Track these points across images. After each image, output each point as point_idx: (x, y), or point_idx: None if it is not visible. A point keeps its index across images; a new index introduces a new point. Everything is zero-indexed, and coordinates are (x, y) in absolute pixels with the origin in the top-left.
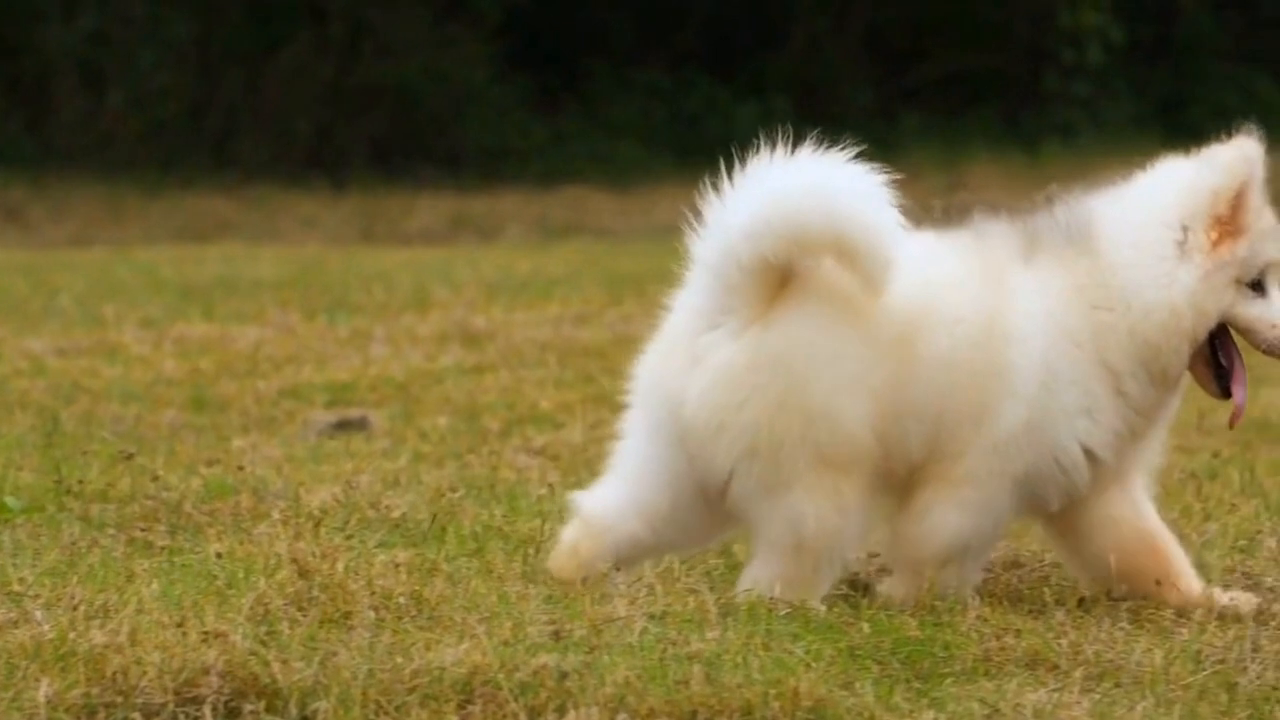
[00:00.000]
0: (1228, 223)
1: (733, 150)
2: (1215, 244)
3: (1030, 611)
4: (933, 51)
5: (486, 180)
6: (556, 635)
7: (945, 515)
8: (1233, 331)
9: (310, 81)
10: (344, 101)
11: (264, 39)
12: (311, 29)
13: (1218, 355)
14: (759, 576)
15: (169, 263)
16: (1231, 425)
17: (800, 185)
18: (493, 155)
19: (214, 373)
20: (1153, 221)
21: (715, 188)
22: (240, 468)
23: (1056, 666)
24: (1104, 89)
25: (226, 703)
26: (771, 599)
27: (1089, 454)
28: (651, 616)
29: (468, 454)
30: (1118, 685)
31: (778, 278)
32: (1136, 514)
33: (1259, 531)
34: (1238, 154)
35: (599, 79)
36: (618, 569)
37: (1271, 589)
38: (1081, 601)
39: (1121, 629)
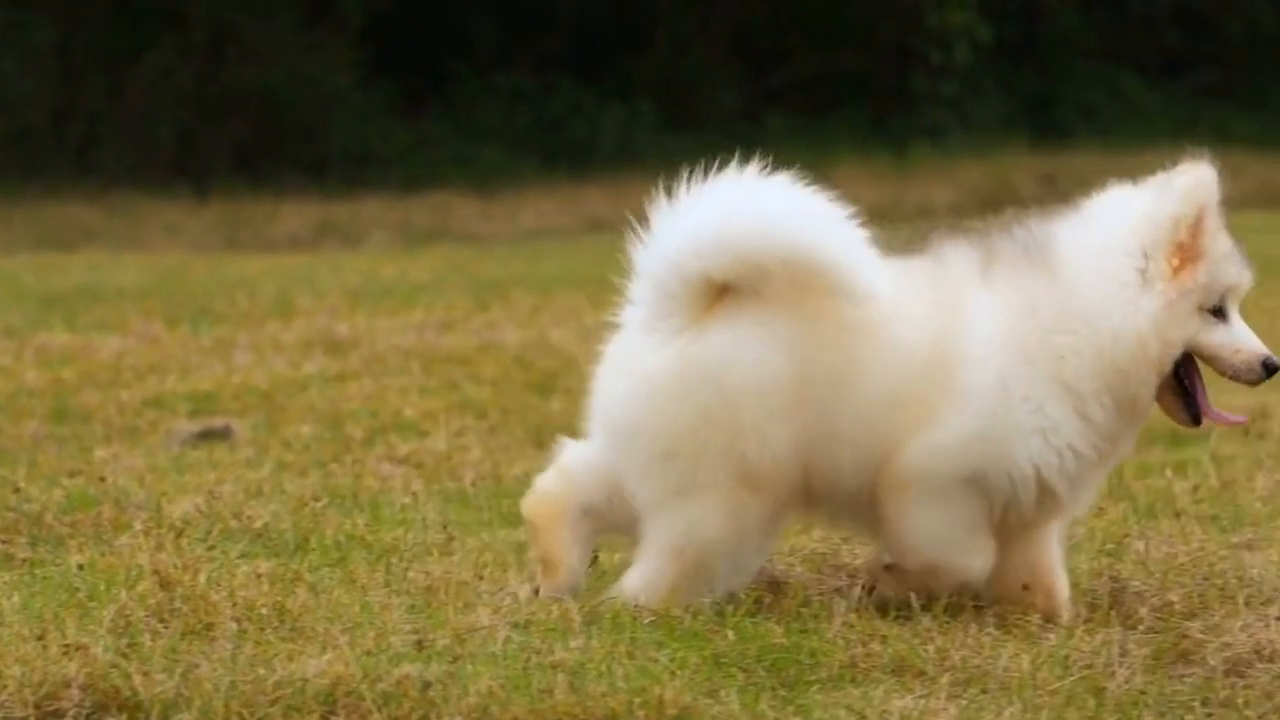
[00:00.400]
0: (1188, 249)
1: (596, 153)
2: (1176, 271)
3: (897, 618)
4: (799, 52)
5: (351, 186)
6: (420, 645)
7: (912, 518)
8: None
9: (173, 88)
10: (207, 108)
11: (126, 45)
12: (174, 35)
13: (1183, 383)
14: (638, 580)
15: (31, 271)
16: (1244, 424)
17: (759, 208)
18: (357, 161)
19: (76, 383)
20: (1114, 249)
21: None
22: (102, 479)
23: (923, 673)
24: (971, 89)
25: (88, 716)
26: (636, 607)
27: (1039, 475)
28: (515, 625)
29: (331, 463)
30: (984, 691)
31: (716, 291)
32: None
33: (1126, 535)
34: (1194, 180)
35: (463, 83)
36: (586, 514)
37: (1138, 593)
38: (948, 608)
39: (989, 635)
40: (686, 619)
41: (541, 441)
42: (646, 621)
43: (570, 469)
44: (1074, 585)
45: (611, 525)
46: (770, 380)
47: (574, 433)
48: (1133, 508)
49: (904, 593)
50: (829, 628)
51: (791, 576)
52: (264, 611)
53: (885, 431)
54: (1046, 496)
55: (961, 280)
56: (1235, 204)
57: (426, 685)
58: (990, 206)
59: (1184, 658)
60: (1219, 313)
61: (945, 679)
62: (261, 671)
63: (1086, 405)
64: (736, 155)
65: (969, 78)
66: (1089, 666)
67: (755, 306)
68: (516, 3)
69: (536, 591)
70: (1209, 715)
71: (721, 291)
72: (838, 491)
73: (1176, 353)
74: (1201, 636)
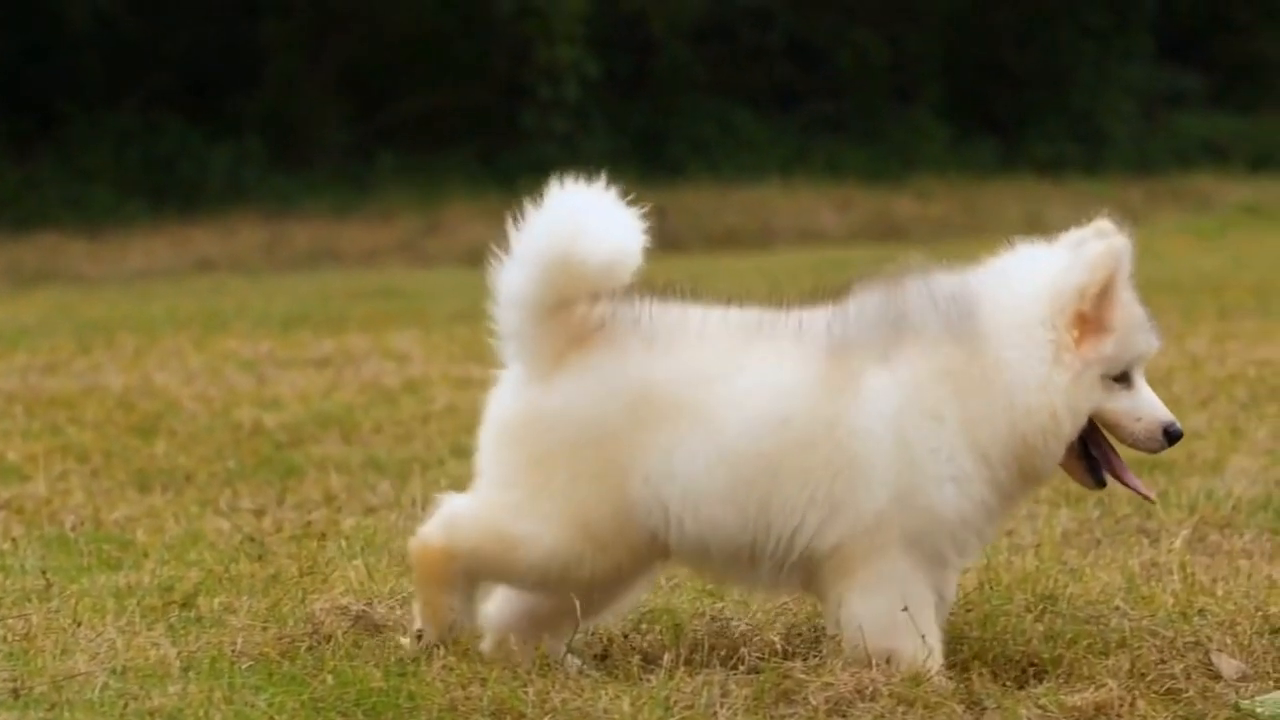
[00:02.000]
0: (1092, 320)
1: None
2: (1079, 341)
3: (496, 661)
4: (409, 89)
5: None
6: (16, 693)
7: (859, 607)
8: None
9: None
10: None
11: None
12: None
13: (1087, 447)
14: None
15: None
16: (1151, 500)
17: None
18: None
19: None
20: (1033, 320)
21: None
22: None
23: (523, 715)
24: (582, 124)
25: None
26: (234, 653)
27: (960, 522)
28: (113, 671)
29: None
30: None
31: (561, 332)
32: None
33: None
34: (1105, 250)
35: (72, 123)
36: None
37: (741, 633)
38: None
39: (590, 677)
40: (285, 663)
41: (145, 484)
42: (244, 667)
43: (451, 519)
44: (675, 626)
45: None
46: (610, 430)
47: (175, 475)
48: None
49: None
50: (429, 670)
51: (391, 620)
52: None
53: (766, 498)
54: (960, 547)
55: (859, 352)
56: (846, 235)
57: None
58: None
59: (785, 697)
60: (1124, 379)
61: None
62: None
63: (995, 470)
64: (346, 193)
65: (579, 113)
66: (690, 707)
67: (605, 354)
68: (124, 41)
69: (419, 637)
70: None
71: (571, 340)
72: (729, 551)
73: (1083, 422)
74: (803, 676)
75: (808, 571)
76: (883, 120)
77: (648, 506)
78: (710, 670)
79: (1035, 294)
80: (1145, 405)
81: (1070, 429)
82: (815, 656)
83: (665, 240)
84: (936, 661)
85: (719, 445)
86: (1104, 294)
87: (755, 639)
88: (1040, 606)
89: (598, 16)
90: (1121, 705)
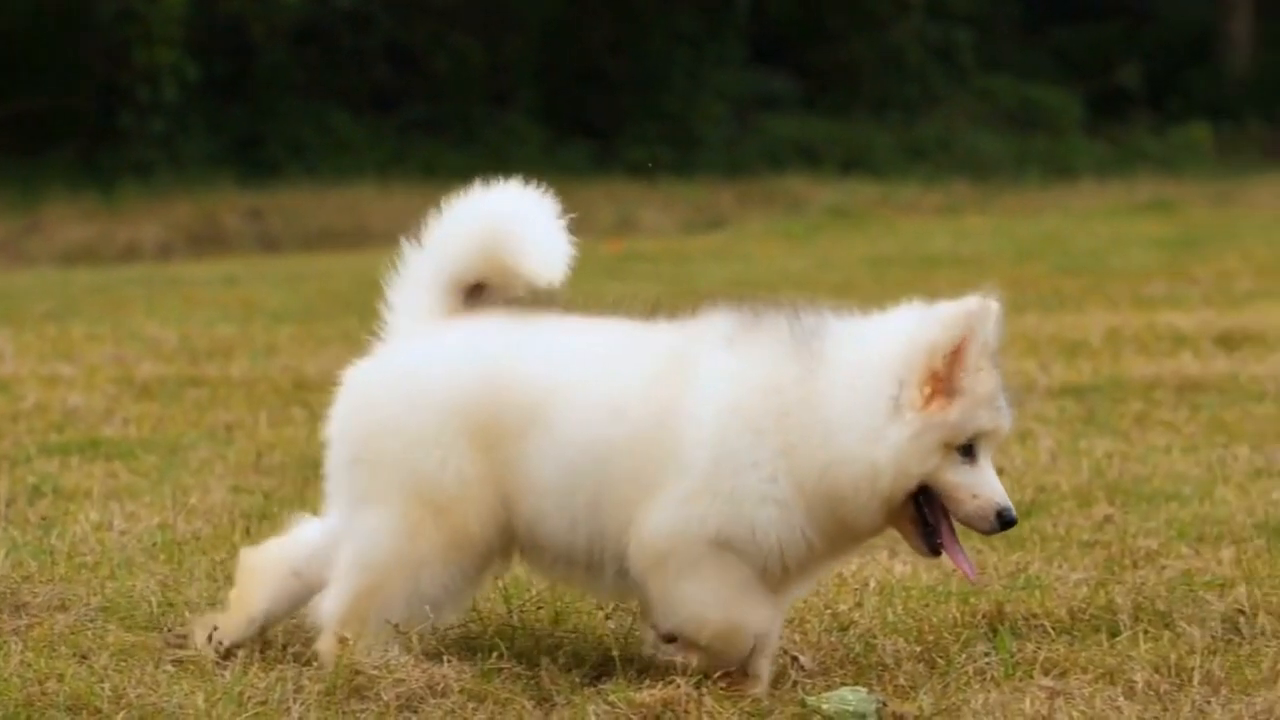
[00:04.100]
0: (942, 381)
1: None
2: (927, 401)
3: (74, 656)
4: (7, 90)
5: None
6: None
7: (681, 592)
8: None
9: None
10: None
11: None
12: None
13: (924, 513)
14: (329, 600)
15: None
16: (973, 581)
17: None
18: None
19: None
20: (872, 369)
21: None
22: None
23: (99, 710)
24: (180, 126)
25: None
26: None
27: (780, 547)
28: None
29: None
30: None
31: (427, 301)
32: None
33: None
34: (960, 310)
35: None
36: (295, 574)
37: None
38: (122, 649)
39: (165, 672)
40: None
41: None
42: None
43: (297, 532)
44: None
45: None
46: (458, 397)
47: None
48: None
49: (705, 660)
50: (5, 666)
51: None
52: None
53: (598, 494)
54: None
55: (700, 344)
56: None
57: None
58: (199, 244)
59: (358, 693)
60: (968, 452)
61: (120, 716)
62: None
63: (809, 502)
64: None
65: (177, 115)
66: (264, 703)
67: (468, 325)
68: None
69: (213, 633)
70: None
71: (440, 308)
72: (553, 546)
73: (912, 485)
74: (375, 673)
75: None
76: (479, 123)
77: (496, 497)
78: (284, 666)
79: (880, 345)
80: (984, 483)
81: (891, 487)
82: (388, 653)
83: (261, 240)
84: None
85: (554, 438)
86: (956, 355)
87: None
88: (612, 605)
89: (197, 19)
90: (689, 702)
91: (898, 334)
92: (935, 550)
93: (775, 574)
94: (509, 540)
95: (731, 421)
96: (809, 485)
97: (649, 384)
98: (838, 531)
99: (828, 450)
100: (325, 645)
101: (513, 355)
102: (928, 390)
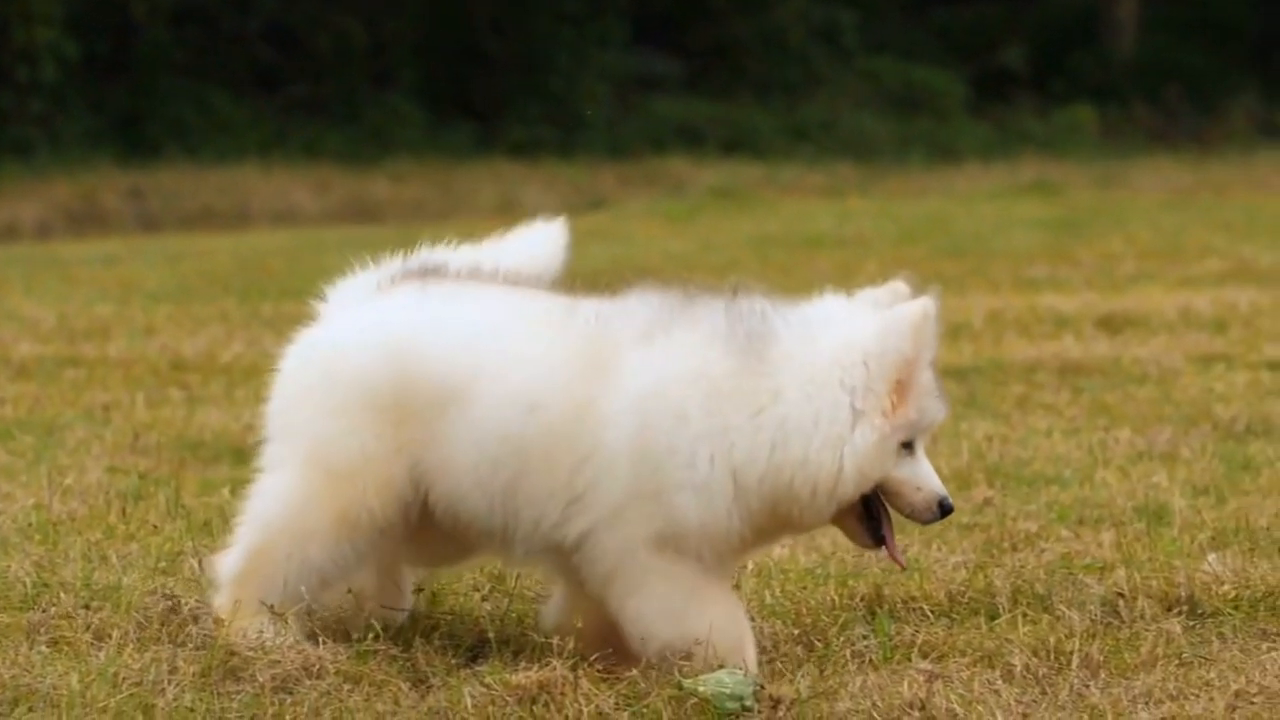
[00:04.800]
0: (906, 385)
1: None
2: (896, 408)
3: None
4: None
5: None
6: None
7: (640, 606)
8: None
9: None
10: None
11: None
12: None
13: (869, 508)
14: (227, 558)
15: None
16: (903, 567)
17: None
18: None
19: None
20: (834, 378)
21: None
22: None
23: None
24: (60, 106)
25: None
26: None
27: (704, 531)
28: None
29: None
30: (32, 710)
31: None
32: None
33: (180, 552)
34: (922, 316)
35: None
36: None
37: (193, 613)
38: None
39: (39, 653)
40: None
41: None
42: None
43: None
44: (126, 604)
45: None
46: (367, 371)
47: None
48: (188, 525)
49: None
50: None
51: None
52: None
53: (515, 482)
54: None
55: (622, 334)
56: (322, 217)
57: None
58: (79, 223)
59: (233, 674)
60: (909, 446)
61: None
62: None
63: (743, 492)
64: None
65: (57, 95)
66: (138, 684)
67: (386, 300)
68: None
69: None
70: None
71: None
72: (474, 524)
73: (869, 487)
74: (251, 654)
75: (560, 562)
76: (361, 104)
77: (401, 461)
78: (160, 646)
79: (838, 353)
80: (925, 475)
81: (853, 491)
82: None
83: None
84: (748, 636)
85: (469, 422)
86: (917, 360)
87: (205, 616)
88: (489, 586)
89: None
90: (565, 684)
91: (850, 342)
92: (879, 540)
93: (710, 561)
94: (408, 522)
95: (650, 411)
96: (748, 482)
97: (568, 377)
98: (774, 526)
99: (783, 453)
100: (220, 602)
101: (426, 332)
102: (895, 398)
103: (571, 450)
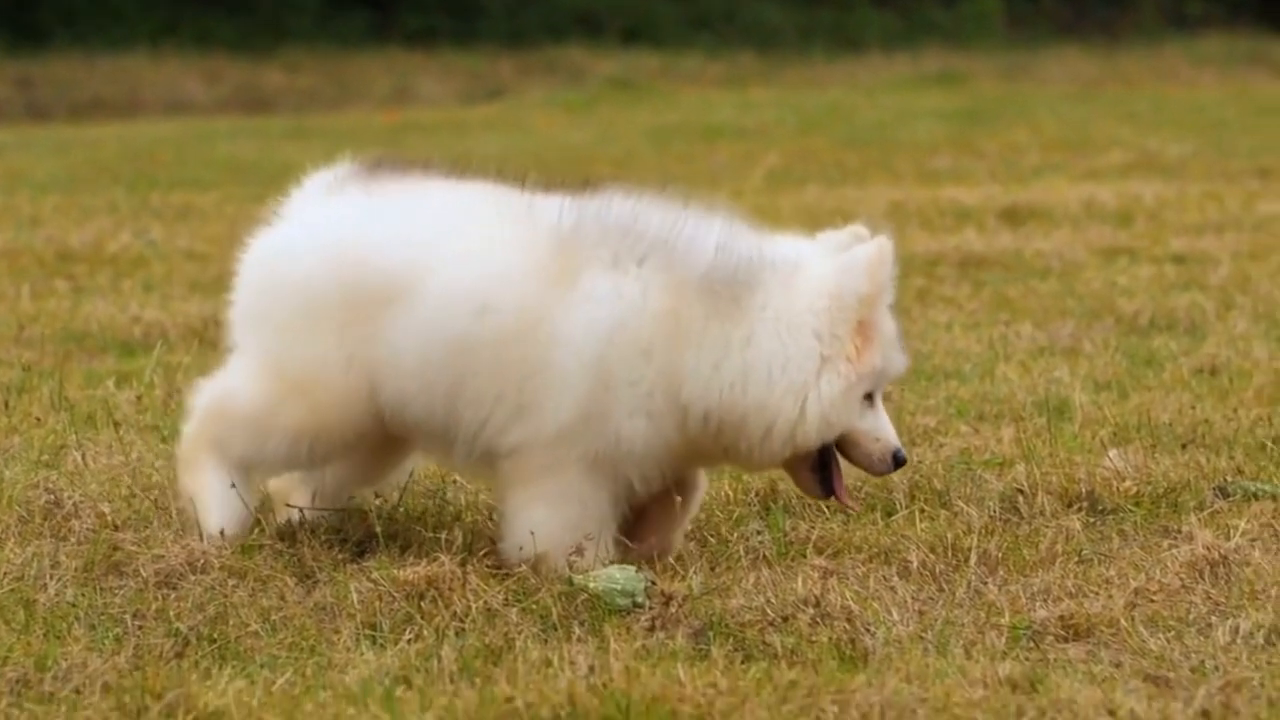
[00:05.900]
0: (868, 329)
1: None
2: (860, 352)
3: None
4: None
5: None
6: None
7: (532, 514)
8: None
9: None
10: None
11: None
12: None
13: (824, 458)
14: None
15: None
16: (854, 511)
17: None
18: None
19: None
20: (804, 327)
21: None
22: None
23: None
24: None
25: None
26: None
27: (642, 456)
28: None
29: None
30: None
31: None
32: None
33: (64, 446)
34: (879, 255)
35: None
36: None
37: (74, 505)
38: None
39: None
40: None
41: None
42: None
43: None
44: (8, 498)
45: None
46: (316, 272)
47: None
48: (71, 418)
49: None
50: None
51: None
52: None
53: (459, 385)
54: (643, 476)
55: (590, 252)
56: (213, 107)
57: None
58: None
59: (116, 569)
60: (869, 397)
61: None
62: None
63: (690, 422)
64: None
65: None
66: (20, 579)
67: (335, 200)
68: None
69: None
70: (140, 627)
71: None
72: (420, 426)
73: (833, 437)
74: (134, 549)
75: (491, 466)
76: None
77: (355, 367)
78: (42, 541)
79: (809, 300)
80: (883, 426)
81: (816, 440)
82: (147, 529)
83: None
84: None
85: (416, 321)
86: (877, 301)
87: (88, 511)
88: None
89: None
90: (453, 579)
91: (815, 287)
92: (830, 491)
93: (636, 484)
94: (371, 436)
95: (615, 343)
96: (699, 410)
97: (523, 282)
98: (712, 456)
99: (744, 398)
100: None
101: (370, 231)
102: (859, 342)
103: (522, 360)
